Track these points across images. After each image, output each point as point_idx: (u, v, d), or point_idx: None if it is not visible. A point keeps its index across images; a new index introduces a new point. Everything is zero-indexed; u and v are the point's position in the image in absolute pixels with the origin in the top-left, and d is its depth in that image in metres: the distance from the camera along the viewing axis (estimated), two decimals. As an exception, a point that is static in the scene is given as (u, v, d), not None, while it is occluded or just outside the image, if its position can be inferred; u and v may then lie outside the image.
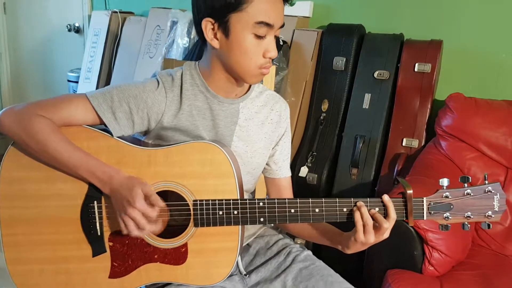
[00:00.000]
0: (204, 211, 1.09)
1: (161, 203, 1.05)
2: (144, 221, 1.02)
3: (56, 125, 1.07)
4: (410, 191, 1.04)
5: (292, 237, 2.08)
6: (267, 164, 1.29)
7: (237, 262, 1.24)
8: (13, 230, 1.12)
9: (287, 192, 1.31)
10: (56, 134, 1.05)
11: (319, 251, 2.11)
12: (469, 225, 1.06)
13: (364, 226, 1.05)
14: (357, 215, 1.05)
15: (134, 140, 1.17)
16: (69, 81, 3.08)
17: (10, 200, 1.11)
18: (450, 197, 1.05)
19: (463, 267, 1.61)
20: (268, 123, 1.23)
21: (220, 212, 1.08)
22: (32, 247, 1.12)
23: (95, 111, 1.09)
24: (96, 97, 1.10)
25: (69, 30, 3.42)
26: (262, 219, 1.09)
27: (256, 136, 1.22)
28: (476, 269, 1.59)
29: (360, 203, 1.06)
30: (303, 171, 2.12)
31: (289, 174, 1.32)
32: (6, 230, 1.12)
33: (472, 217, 1.05)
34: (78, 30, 3.41)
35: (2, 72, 3.73)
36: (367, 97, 2.12)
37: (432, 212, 1.05)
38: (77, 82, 2.99)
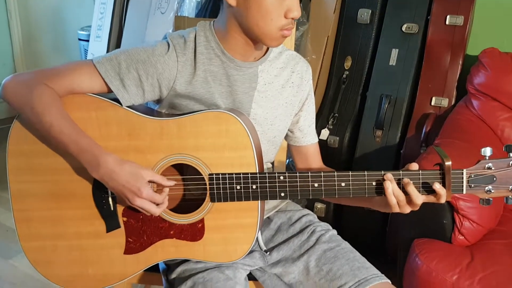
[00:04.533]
0: (221, 186, 1.02)
1: (168, 182, 0.99)
2: (154, 208, 0.98)
3: (58, 95, 0.99)
4: (448, 163, 0.95)
5: (312, 207, 2.02)
6: (291, 131, 1.21)
7: (257, 237, 1.18)
8: (24, 206, 1.07)
9: (315, 160, 1.23)
10: (53, 105, 0.97)
11: (339, 221, 2.05)
12: None
13: (398, 202, 0.97)
14: (388, 191, 0.96)
15: (146, 109, 1.09)
16: (80, 39, 2.99)
17: (19, 175, 1.07)
18: (493, 168, 0.96)
19: (495, 235, 1.53)
20: (289, 86, 1.14)
21: (238, 187, 1.02)
22: (44, 223, 1.08)
23: (102, 78, 1.01)
24: (103, 63, 1.02)
25: (78, -15, 3.29)
26: (283, 194, 1.02)
27: (277, 102, 1.13)
28: (509, 238, 1.51)
29: (389, 176, 0.97)
30: (324, 133, 2.03)
31: (316, 140, 1.24)
32: (17, 206, 1.08)
33: None
34: (87, -15, 3.28)
35: (13, 32, 3.64)
36: (394, 52, 1.99)
37: (472, 186, 0.97)
38: (88, 40, 2.89)
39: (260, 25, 0.98)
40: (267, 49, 1.11)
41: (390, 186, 0.96)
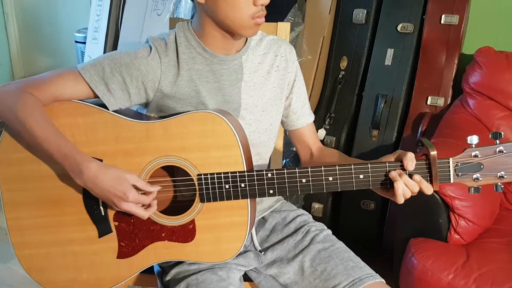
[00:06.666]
0: (210, 186, 1.02)
1: (151, 188, 0.99)
2: (142, 211, 0.98)
3: (42, 103, 1.00)
4: (434, 152, 0.95)
5: (309, 207, 2.01)
6: (285, 116, 1.21)
7: (251, 237, 1.19)
8: (16, 214, 1.07)
9: (312, 140, 1.23)
10: (36, 113, 0.97)
11: (336, 221, 2.05)
12: (502, 186, 0.97)
13: (404, 195, 0.97)
14: (398, 192, 0.95)
15: (134, 114, 1.09)
16: (76, 42, 2.99)
17: (11, 183, 1.07)
18: (479, 156, 0.95)
19: (491, 234, 1.52)
20: (274, 71, 1.14)
21: (227, 186, 1.01)
22: (37, 230, 1.08)
23: (87, 84, 1.02)
24: (87, 69, 1.02)
25: (75, -13, 3.29)
26: (271, 191, 1.02)
27: (264, 88, 1.13)
28: (505, 236, 1.50)
29: (400, 171, 0.96)
30: (321, 134, 2.02)
31: (312, 119, 1.23)
32: (10, 214, 1.08)
33: (505, 177, 0.95)
34: (84, -13, 3.28)
35: (10, 34, 3.65)
36: (390, 52, 1.99)
37: (459, 174, 0.96)
38: (84, 43, 2.89)
39: (230, 16, 0.99)
40: (247, 38, 1.11)
41: (401, 186, 0.95)
